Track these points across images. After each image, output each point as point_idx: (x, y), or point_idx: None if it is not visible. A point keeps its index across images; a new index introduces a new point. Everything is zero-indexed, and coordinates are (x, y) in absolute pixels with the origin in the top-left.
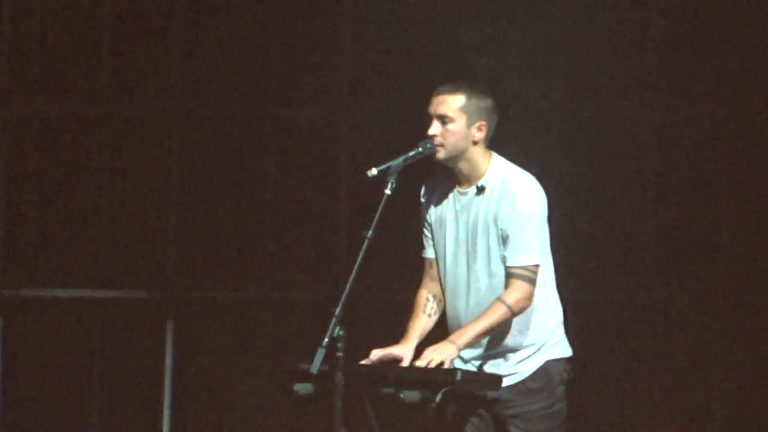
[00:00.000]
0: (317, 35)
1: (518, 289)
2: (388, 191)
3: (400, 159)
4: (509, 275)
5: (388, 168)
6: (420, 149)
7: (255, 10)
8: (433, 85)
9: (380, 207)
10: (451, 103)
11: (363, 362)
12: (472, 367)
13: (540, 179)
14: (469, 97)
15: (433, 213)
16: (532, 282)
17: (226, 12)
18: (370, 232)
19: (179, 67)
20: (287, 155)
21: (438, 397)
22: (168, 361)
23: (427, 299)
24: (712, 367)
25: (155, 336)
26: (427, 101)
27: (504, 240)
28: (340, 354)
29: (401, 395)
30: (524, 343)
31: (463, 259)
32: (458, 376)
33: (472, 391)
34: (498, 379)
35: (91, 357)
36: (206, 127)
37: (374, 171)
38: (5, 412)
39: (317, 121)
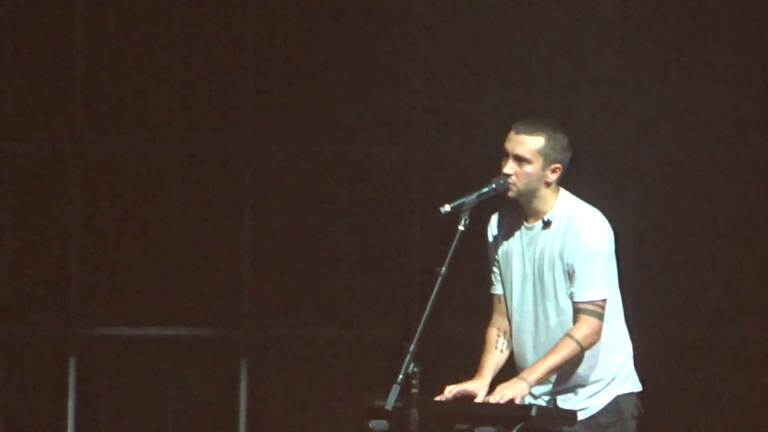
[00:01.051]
0: (390, 71)
1: (586, 324)
2: (461, 227)
3: (474, 195)
4: (577, 310)
5: (462, 204)
6: (494, 186)
7: (327, 49)
8: (505, 121)
9: (454, 243)
10: (530, 145)
11: (437, 398)
12: (542, 402)
13: (612, 215)
14: (548, 140)
15: (499, 249)
16: (600, 317)
17: (299, 49)
18: (443, 269)
19: (252, 105)
20: (360, 192)
21: None
22: (242, 399)
23: (498, 336)
24: None
25: (229, 374)
26: (504, 136)
27: (570, 275)
28: (414, 390)
29: (476, 431)
30: (594, 378)
31: (530, 296)
32: (533, 412)
33: (547, 426)
34: (573, 414)
35: (165, 395)
36: (279, 165)
37: (447, 207)
38: None
39: (390, 157)
